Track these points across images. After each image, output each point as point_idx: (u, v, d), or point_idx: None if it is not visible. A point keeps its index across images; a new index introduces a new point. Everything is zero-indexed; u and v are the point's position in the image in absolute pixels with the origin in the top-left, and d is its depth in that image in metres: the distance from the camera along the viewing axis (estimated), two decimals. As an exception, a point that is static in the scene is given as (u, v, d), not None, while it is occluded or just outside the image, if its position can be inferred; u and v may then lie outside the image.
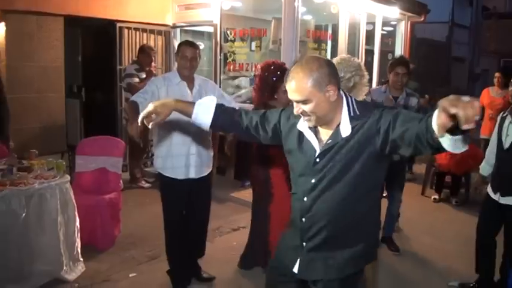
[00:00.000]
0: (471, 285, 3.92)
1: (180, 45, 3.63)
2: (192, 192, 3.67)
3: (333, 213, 2.11)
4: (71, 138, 6.79)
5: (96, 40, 7.47)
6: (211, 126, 2.36)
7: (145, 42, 7.05)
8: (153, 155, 7.51)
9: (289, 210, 3.75)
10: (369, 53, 7.98)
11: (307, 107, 2.01)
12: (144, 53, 6.35)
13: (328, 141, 2.07)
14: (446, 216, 5.77)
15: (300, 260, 2.24)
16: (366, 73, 3.79)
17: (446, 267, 4.44)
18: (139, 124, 2.58)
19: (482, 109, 7.11)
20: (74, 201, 3.91)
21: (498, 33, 19.53)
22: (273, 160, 3.89)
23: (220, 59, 6.94)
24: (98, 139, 4.99)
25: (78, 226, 3.96)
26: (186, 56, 3.48)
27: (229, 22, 7.18)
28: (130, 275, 4.02)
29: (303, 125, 2.15)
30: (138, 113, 2.79)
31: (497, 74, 7.11)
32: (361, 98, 3.76)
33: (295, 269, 2.26)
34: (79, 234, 3.98)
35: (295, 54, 6.07)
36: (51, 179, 3.77)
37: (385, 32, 8.53)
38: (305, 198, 2.17)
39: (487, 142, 6.87)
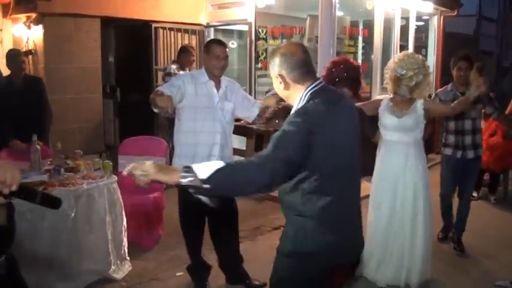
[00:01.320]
0: None
1: (209, 44, 3.56)
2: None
3: None
4: (105, 138, 6.85)
5: (130, 40, 7.51)
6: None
7: (179, 41, 7.09)
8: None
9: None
10: (403, 48, 7.88)
11: None
12: (186, 53, 6.34)
13: None
14: (487, 215, 5.66)
15: None
16: (430, 72, 3.73)
17: (491, 266, 4.34)
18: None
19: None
20: (121, 200, 3.93)
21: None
22: None
23: (254, 57, 6.92)
24: (140, 139, 5.02)
25: (125, 225, 3.99)
26: (218, 55, 3.40)
27: (262, 20, 7.15)
28: (177, 274, 4.02)
29: None
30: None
31: None
32: (423, 96, 3.74)
33: None
34: (126, 234, 4.01)
35: (332, 51, 6.02)
36: (98, 179, 3.79)
37: (415, 27, 8.43)
38: None
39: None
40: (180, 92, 3.31)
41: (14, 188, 1.52)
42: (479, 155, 4.57)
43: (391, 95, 3.82)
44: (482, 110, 4.61)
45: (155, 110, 3.07)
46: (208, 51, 3.44)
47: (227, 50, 3.49)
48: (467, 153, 4.46)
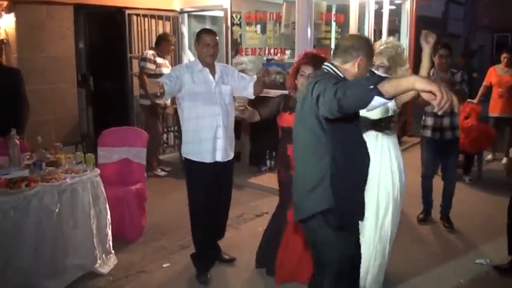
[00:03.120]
0: (505, 267, 3.87)
1: (199, 33, 3.68)
2: (218, 176, 3.74)
3: None
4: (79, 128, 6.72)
5: (103, 27, 7.34)
6: None
7: (153, 28, 6.96)
8: (166, 143, 7.50)
9: None
10: (377, 33, 7.92)
11: None
12: (166, 41, 6.32)
13: None
14: (463, 195, 5.79)
15: None
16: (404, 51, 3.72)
17: (470, 245, 4.48)
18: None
19: (490, 88, 7.12)
20: (104, 194, 3.88)
21: (491, 8, 19.47)
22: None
23: (230, 43, 6.85)
24: (119, 129, 4.93)
25: (110, 219, 3.94)
26: (208, 43, 3.58)
27: (237, 6, 7.06)
28: (164, 265, 4.01)
29: None
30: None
31: (505, 55, 7.06)
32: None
33: None
34: (110, 227, 3.96)
35: (310, 37, 6.00)
36: (81, 173, 3.73)
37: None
38: None
39: (496, 120, 6.99)
40: (178, 82, 3.49)
41: None
42: (457, 136, 4.76)
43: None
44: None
45: (157, 101, 3.26)
46: (199, 40, 3.62)
47: (217, 38, 3.64)
48: (445, 135, 4.65)
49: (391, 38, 3.86)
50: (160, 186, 6.03)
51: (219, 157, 3.68)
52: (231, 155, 3.82)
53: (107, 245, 3.92)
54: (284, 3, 6.86)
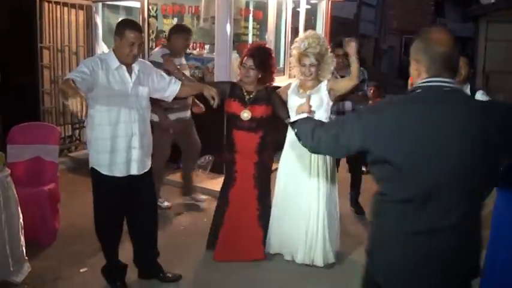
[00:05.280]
0: None
1: (122, 27, 3.16)
2: (134, 190, 3.35)
3: None
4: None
5: (9, 15, 6.80)
6: None
7: (66, 17, 6.56)
8: (78, 139, 7.12)
9: (252, 199, 3.96)
10: (294, 30, 8.03)
11: None
12: (181, 35, 4.86)
13: None
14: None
15: None
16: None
17: None
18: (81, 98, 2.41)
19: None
20: (16, 196, 3.58)
21: (400, 11, 20.56)
22: (238, 144, 3.97)
23: (150, 37, 6.65)
24: (29, 126, 4.61)
25: (22, 223, 3.65)
26: (133, 42, 3.10)
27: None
28: (81, 270, 3.81)
29: None
30: (77, 88, 2.58)
31: None
32: (328, 76, 3.98)
33: None
34: (23, 232, 3.67)
35: (229, 32, 5.95)
36: (-10, 174, 3.42)
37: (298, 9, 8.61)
38: None
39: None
40: (91, 79, 2.97)
41: None
42: None
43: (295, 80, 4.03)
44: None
45: (66, 103, 2.76)
46: (121, 36, 3.12)
47: (143, 35, 3.25)
48: None
49: (308, 32, 4.03)
50: (71, 185, 5.69)
51: (134, 170, 3.29)
52: (148, 166, 3.43)
53: (20, 251, 3.63)
54: (203, -4, 6.77)
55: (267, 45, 4.34)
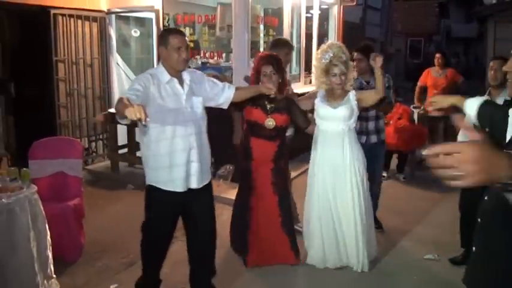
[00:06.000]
0: (460, 258, 4.02)
1: (165, 35, 3.10)
2: (194, 204, 3.24)
3: None
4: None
5: (24, 28, 6.76)
6: None
7: (79, 30, 6.52)
8: (94, 152, 7.06)
9: (273, 206, 3.92)
10: (308, 36, 8.00)
11: None
12: (282, 49, 4.45)
13: None
14: (399, 193, 5.95)
15: None
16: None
17: (415, 242, 4.61)
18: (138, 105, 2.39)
19: (425, 89, 7.37)
20: (43, 212, 3.51)
21: (404, 14, 20.56)
22: (255, 152, 3.93)
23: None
24: (51, 140, 4.55)
25: (50, 240, 3.57)
26: (180, 46, 3.01)
27: (168, 7, 6.82)
28: (111, 287, 3.70)
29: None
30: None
31: (437, 55, 7.39)
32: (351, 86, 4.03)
33: None
34: (51, 249, 3.59)
35: (247, 40, 5.90)
36: (18, 191, 3.34)
37: (310, 15, 8.59)
38: None
39: (431, 119, 7.23)
40: (145, 95, 2.88)
41: None
42: (383, 139, 4.78)
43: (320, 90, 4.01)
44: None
45: (122, 122, 2.67)
46: (166, 43, 3.03)
47: (187, 39, 3.12)
48: (370, 138, 4.64)
49: (329, 42, 4.13)
50: (91, 199, 5.60)
51: (194, 184, 3.17)
52: (208, 179, 3.31)
53: (48, 270, 3.54)
54: (218, 6, 6.72)
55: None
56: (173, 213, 3.25)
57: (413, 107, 7.19)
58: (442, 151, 1.19)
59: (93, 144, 7.01)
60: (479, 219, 1.92)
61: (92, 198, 5.62)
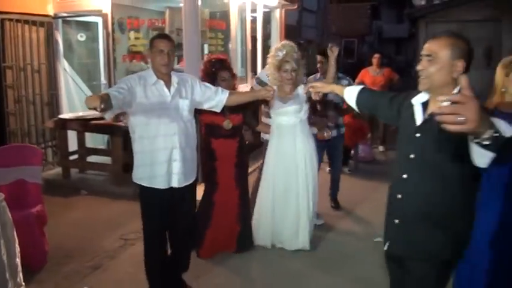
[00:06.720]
0: None
1: (153, 39, 3.27)
2: (175, 202, 3.38)
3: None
4: None
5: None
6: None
7: (27, 35, 6.38)
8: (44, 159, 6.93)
9: (234, 199, 4.26)
10: (254, 39, 8.20)
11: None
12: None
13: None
14: (347, 185, 6.24)
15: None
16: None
17: (363, 226, 5.12)
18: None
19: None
20: (11, 220, 3.49)
21: (338, 16, 21.24)
22: (218, 151, 4.20)
23: (112, 50, 6.59)
24: (10, 148, 4.52)
25: (18, 248, 3.55)
26: (163, 50, 3.13)
27: (116, 12, 6.83)
28: (83, 288, 3.74)
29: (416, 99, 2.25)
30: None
31: (377, 55, 7.82)
32: (301, 80, 4.44)
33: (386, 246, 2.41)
34: (20, 256, 3.57)
35: (197, 44, 5.99)
36: (-15, 199, 3.32)
37: (253, 18, 8.82)
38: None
39: (372, 115, 7.65)
40: (129, 95, 3.01)
41: None
42: (342, 133, 5.39)
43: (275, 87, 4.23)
44: None
45: (106, 117, 2.94)
46: (152, 46, 3.19)
47: (173, 44, 3.23)
48: (332, 132, 5.09)
49: (283, 42, 4.46)
50: (48, 206, 5.48)
51: (175, 182, 3.30)
52: (191, 179, 3.45)
53: (18, 278, 3.50)
54: (167, 10, 6.79)
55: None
56: (159, 208, 3.35)
57: None
58: (452, 99, 1.50)
59: (43, 151, 6.87)
60: (398, 196, 2.27)
61: (47, 206, 5.51)
